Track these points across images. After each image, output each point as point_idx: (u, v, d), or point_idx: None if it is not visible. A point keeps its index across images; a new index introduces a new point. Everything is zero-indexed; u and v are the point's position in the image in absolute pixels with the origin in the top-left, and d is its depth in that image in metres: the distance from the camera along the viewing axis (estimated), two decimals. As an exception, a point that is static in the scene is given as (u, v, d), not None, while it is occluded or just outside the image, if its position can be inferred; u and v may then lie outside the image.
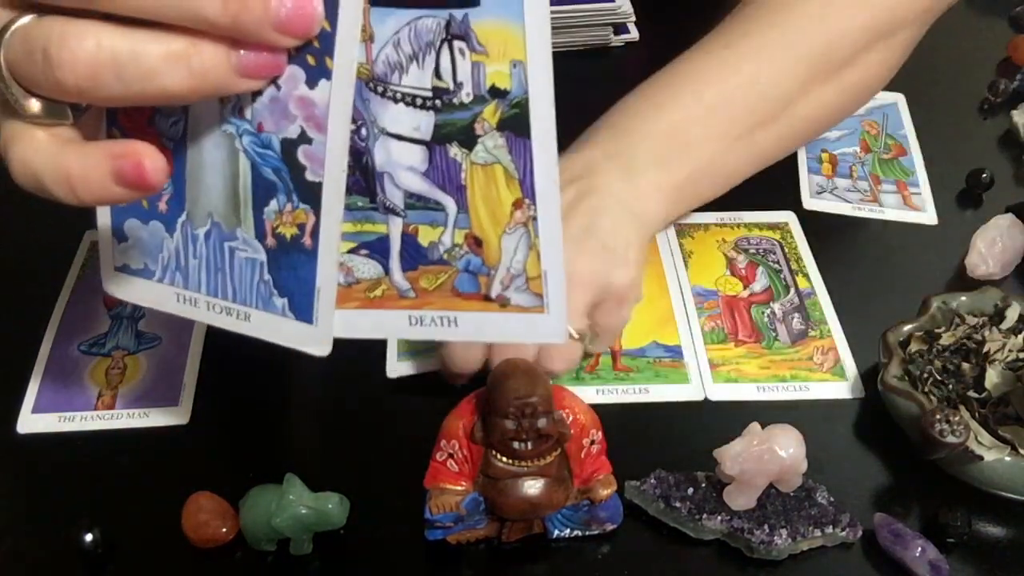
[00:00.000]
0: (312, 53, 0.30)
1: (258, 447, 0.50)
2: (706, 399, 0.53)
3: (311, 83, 0.30)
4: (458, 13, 0.30)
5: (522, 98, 0.30)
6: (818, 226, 0.64)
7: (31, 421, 0.51)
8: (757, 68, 0.56)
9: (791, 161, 0.68)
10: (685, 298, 0.58)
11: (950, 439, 0.45)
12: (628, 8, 0.79)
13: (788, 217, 0.64)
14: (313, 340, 0.34)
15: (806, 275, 0.60)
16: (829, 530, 0.45)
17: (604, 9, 0.78)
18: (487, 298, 0.34)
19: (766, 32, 0.56)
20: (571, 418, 0.42)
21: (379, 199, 0.33)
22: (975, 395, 0.48)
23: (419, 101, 0.31)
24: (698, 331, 0.56)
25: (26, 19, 0.29)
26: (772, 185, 0.67)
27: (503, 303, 0.34)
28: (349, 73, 0.30)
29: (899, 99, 0.74)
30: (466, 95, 0.31)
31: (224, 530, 0.44)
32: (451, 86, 0.31)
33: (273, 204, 0.33)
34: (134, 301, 0.36)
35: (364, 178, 0.33)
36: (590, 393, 0.52)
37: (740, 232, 0.63)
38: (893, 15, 0.58)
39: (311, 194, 0.32)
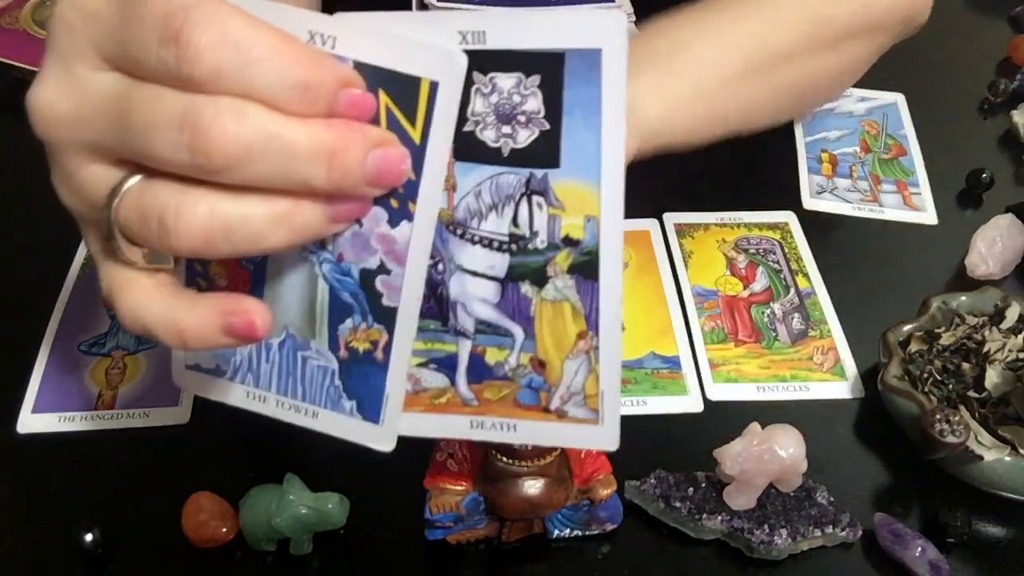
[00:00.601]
0: (396, 197, 0.31)
1: (258, 447, 0.50)
2: (705, 406, 0.52)
3: (393, 223, 0.32)
4: (539, 172, 0.32)
5: (593, 248, 0.32)
6: (818, 226, 0.64)
7: (31, 421, 0.51)
8: (748, 26, 0.57)
9: (791, 161, 0.68)
10: (685, 299, 0.58)
11: (950, 439, 0.45)
12: (628, 8, 0.79)
13: (788, 217, 0.64)
14: (378, 438, 0.36)
15: (806, 275, 0.60)
16: (829, 530, 0.45)
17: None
18: (546, 410, 0.35)
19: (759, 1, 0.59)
20: (571, 418, 0.42)
21: (451, 324, 0.35)
22: (975, 395, 0.49)
23: (495, 244, 0.33)
24: (698, 332, 0.56)
25: (136, 180, 0.30)
26: (772, 185, 0.67)
27: (560, 415, 0.35)
28: (430, 217, 0.32)
29: (899, 99, 0.74)
30: (540, 242, 0.33)
31: (224, 530, 0.44)
32: (527, 234, 0.33)
33: (348, 322, 0.34)
34: (203, 395, 0.38)
35: (437, 305, 0.34)
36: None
37: (740, 232, 0.63)
38: (875, 14, 0.61)
39: (386, 317, 0.34)
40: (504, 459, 0.41)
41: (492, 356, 0.35)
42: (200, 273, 0.35)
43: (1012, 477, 0.46)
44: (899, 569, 0.45)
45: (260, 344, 0.36)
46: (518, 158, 0.32)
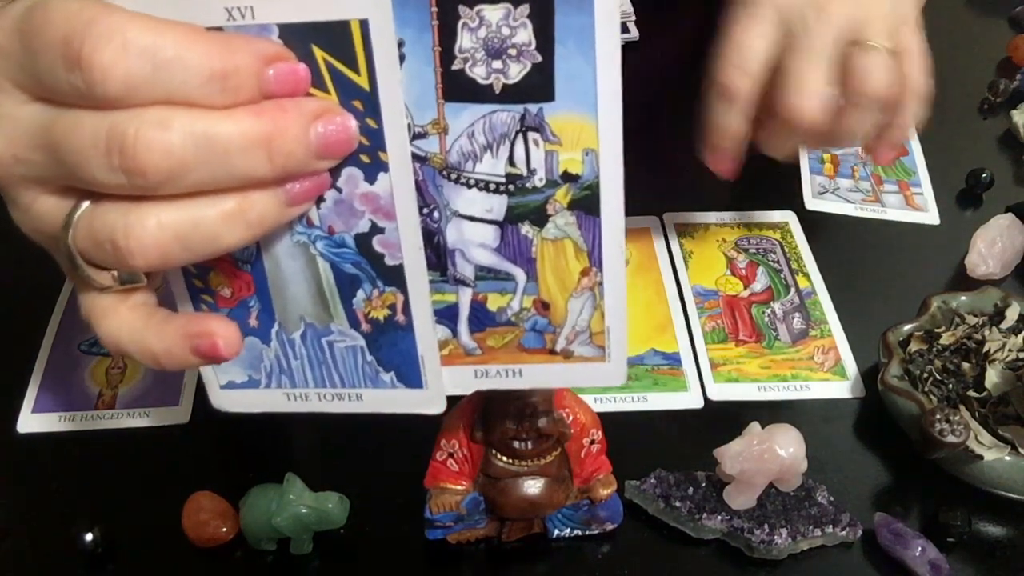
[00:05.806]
0: (365, 152, 0.30)
1: (258, 447, 0.50)
2: (705, 405, 0.52)
3: (370, 179, 0.31)
4: (532, 107, 0.31)
5: (593, 181, 0.32)
6: (818, 226, 0.64)
7: (31, 421, 0.51)
8: None
9: (792, 161, 0.68)
10: (685, 298, 0.58)
11: (950, 439, 0.45)
12: (628, 8, 0.79)
13: (788, 217, 0.64)
14: (426, 402, 0.35)
15: (806, 275, 0.60)
16: (829, 530, 0.45)
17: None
18: (552, 352, 0.35)
19: None
20: (571, 418, 0.42)
21: (450, 273, 0.34)
22: (975, 395, 0.48)
23: (492, 186, 0.32)
24: (699, 331, 0.56)
25: (86, 206, 0.30)
26: (773, 185, 0.67)
27: (567, 355, 0.35)
28: (405, 161, 0.31)
29: (899, 99, 0.74)
30: (539, 180, 0.32)
31: (224, 530, 0.44)
32: (524, 172, 0.32)
33: (360, 294, 0.34)
34: (246, 410, 0.37)
35: (435, 255, 0.34)
36: (588, 402, 0.52)
37: (740, 232, 0.63)
38: None
39: (395, 276, 0.33)
40: (504, 459, 0.41)
41: (494, 302, 0.34)
42: (202, 289, 0.34)
43: (1012, 477, 0.46)
44: (899, 569, 0.45)
45: (282, 342, 0.35)
46: (511, 94, 0.30)
